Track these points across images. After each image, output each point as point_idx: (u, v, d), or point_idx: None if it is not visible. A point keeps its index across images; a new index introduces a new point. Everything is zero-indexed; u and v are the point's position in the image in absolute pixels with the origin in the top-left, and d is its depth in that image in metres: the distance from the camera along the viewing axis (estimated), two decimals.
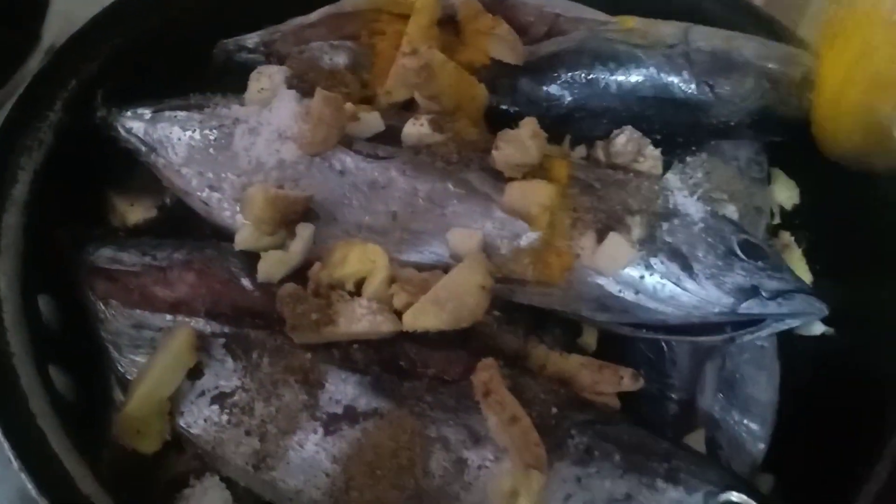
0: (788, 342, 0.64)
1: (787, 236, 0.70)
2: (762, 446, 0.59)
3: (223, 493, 0.50)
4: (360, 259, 0.54)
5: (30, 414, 0.47)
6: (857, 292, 0.65)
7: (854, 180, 0.68)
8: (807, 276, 0.67)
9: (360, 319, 0.51)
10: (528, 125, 0.59)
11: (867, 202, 0.67)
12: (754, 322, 0.55)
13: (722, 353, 0.60)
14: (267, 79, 0.61)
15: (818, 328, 0.65)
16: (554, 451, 0.47)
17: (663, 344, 0.59)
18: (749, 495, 0.45)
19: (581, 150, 0.68)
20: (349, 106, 0.59)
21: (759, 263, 0.55)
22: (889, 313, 0.61)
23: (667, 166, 0.68)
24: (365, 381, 0.50)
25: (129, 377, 0.52)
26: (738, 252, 0.55)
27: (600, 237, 0.55)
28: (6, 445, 0.45)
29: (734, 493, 0.45)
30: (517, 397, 0.48)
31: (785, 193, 0.72)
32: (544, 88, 0.68)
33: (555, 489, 0.46)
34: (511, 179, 0.57)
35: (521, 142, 0.58)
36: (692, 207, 0.58)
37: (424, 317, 0.51)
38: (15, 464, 0.44)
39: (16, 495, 0.62)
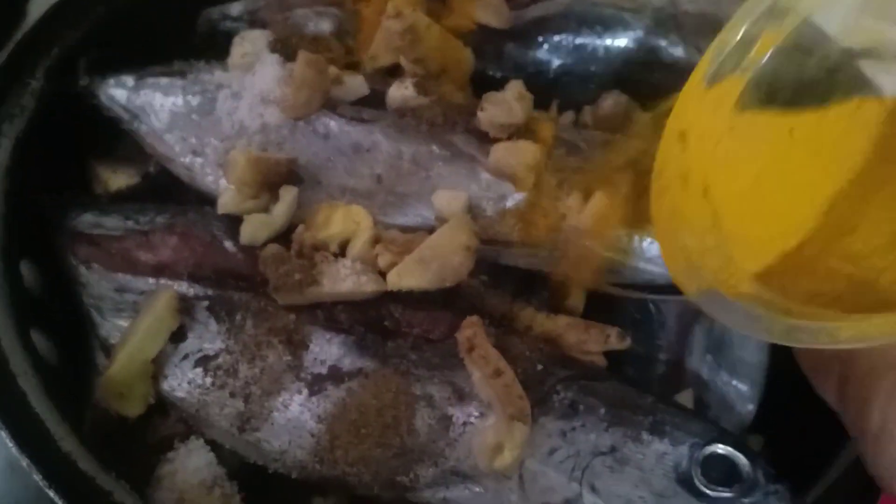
0: None
1: None
2: (751, 407, 0.58)
3: (207, 455, 0.50)
4: (343, 220, 0.53)
5: (11, 374, 0.46)
6: None
7: None
8: None
9: (344, 280, 0.51)
10: (514, 87, 0.59)
11: None
12: None
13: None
14: (250, 44, 0.61)
15: None
16: (539, 405, 0.46)
17: (651, 305, 0.59)
18: (734, 447, 0.45)
19: (569, 116, 0.67)
20: (333, 69, 0.59)
21: None
22: None
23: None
24: (349, 341, 0.50)
25: (111, 341, 0.52)
26: None
27: (587, 197, 0.55)
28: None
29: (720, 445, 0.45)
30: (502, 354, 0.48)
31: None
32: (531, 53, 0.67)
33: (540, 443, 0.46)
34: (497, 141, 0.57)
35: (507, 102, 0.57)
36: None
37: (408, 276, 0.51)
38: None
39: (5, 465, 0.63)
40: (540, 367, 0.49)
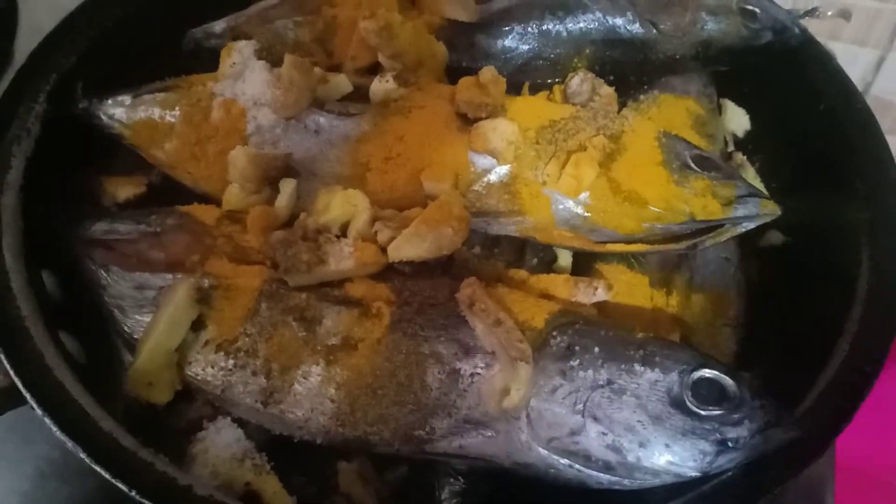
0: (755, 254, 0.69)
1: (740, 156, 0.74)
2: (734, 347, 0.63)
3: (235, 431, 0.53)
4: (342, 204, 0.57)
5: (46, 367, 0.50)
6: (809, 203, 0.70)
7: (801, 102, 0.73)
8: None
9: (348, 257, 0.55)
10: (487, 71, 0.63)
11: (813, 122, 0.72)
12: (713, 227, 0.59)
13: (689, 265, 0.65)
14: (237, 53, 0.65)
15: (777, 238, 0.70)
16: (538, 350, 0.50)
17: (633, 259, 0.63)
18: (720, 371, 0.49)
19: (541, 96, 0.72)
20: (318, 70, 0.63)
21: (713, 174, 0.59)
22: (835, 219, 0.66)
23: (622, 106, 0.72)
24: (358, 313, 0.54)
25: (135, 336, 0.55)
26: (692, 165, 0.60)
27: (563, 163, 0.59)
28: (27, 395, 0.48)
29: (706, 370, 0.49)
30: (500, 308, 0.52)
31: (736, 121, 0.77)
32: (500, 42, 0.72)
33: (542, 384, 0.50)
34: (476, 120, 0.61)
35: (482, 84, 0.62)
36: (646, 127, 0.62)
37: (407, 247, 0.55)
38: (38, 410, 0.47)
39: (36, 473, 0.65)
40: (535, 317, 0.52)
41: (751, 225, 0.60)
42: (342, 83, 0.64)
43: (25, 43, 0.79)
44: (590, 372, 0.50)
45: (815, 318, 0.62)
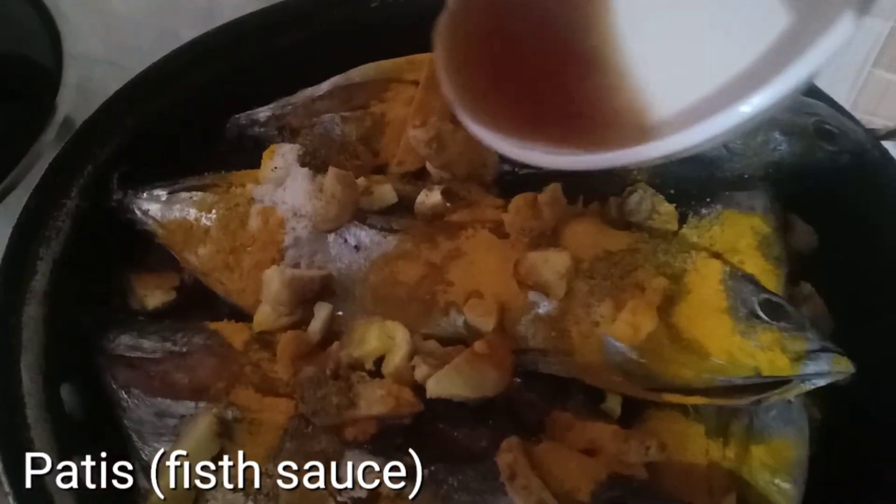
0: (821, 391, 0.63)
1: (808, 287, 0.69)
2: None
3: None
4: (379, 336, 0.54)
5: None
6: (882, 333, 0.64)
7: (876, 222, 0.67)
8: (829, 325, 0.66)
9: (381, 401, 0.51)
10: (551, 191, 0.58)
11: (889, 243, 0.67)
12: (780, 383, 0.54)
13: (748, 412, 0.59)
14: (280, 158, 0.62)
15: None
16: None
17: (689, 407, 0.58)
18: None
19: (595, 207, 0.68)
20: (361, 181, 0.60)
21: (783, 324, 0.54)
22: None
23: (682, 219, 0.67)
24: (387, 464, 0.50)
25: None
26: (760, 313, 0.55)
27: (619, 305, 0.55)
28: None
29: None
30: (543, 474, 0.48)
31: (803, 240, 0.72)
32: None
33: None
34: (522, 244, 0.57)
35: (536, 206, 0.58)
36: (710, 267, 0.57)
37: (448, 384, 0.51)
38: None
39: None
40: (582, 487, 0.48)
41: (821, 382, 0.55)
42: (387, 195, 0.60)
43: (67, 98, 0.77)
44: None
45: (888, 463, 0.57)
